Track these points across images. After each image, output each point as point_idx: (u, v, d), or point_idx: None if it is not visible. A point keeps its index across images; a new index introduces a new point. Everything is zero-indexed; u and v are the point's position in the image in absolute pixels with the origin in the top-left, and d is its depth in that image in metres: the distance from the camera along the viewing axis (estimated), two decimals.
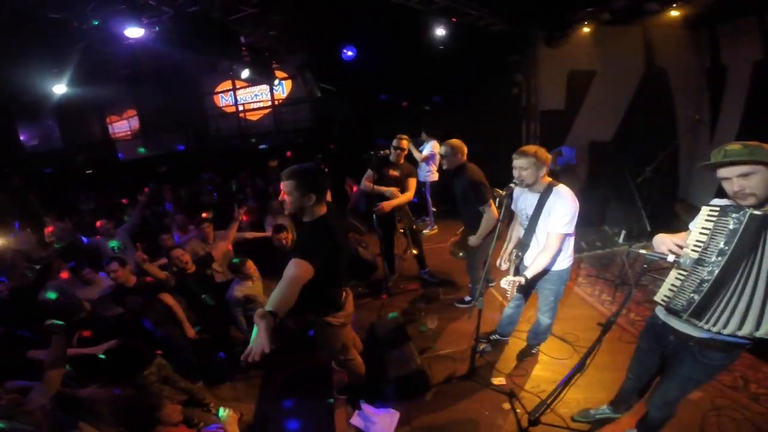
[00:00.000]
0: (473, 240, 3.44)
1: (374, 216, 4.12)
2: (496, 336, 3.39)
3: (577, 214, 2.45)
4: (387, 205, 3.98)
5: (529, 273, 2.45)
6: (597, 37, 5.50)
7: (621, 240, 5.05)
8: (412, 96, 6.64)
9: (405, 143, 4.17)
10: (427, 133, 5.85)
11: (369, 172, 4.19)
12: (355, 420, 2.84)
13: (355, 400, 2.94)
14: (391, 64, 6.62)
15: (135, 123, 11.38)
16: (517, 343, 3.37)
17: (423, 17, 5.22)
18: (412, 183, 4.16)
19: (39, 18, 4.13)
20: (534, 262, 2.50)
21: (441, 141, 6.01)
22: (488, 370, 3.15)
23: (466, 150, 3.46)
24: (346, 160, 7.24)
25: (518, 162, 2.49)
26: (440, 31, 5.34)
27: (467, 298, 4.13)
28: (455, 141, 3.45)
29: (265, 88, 9.96)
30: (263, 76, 6.60)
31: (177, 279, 3.68)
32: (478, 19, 5.21)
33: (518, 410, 2.73)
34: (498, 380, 3.05)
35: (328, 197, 2.55)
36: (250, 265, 3.70)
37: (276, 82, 8.00)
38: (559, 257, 2.59)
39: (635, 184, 4.72)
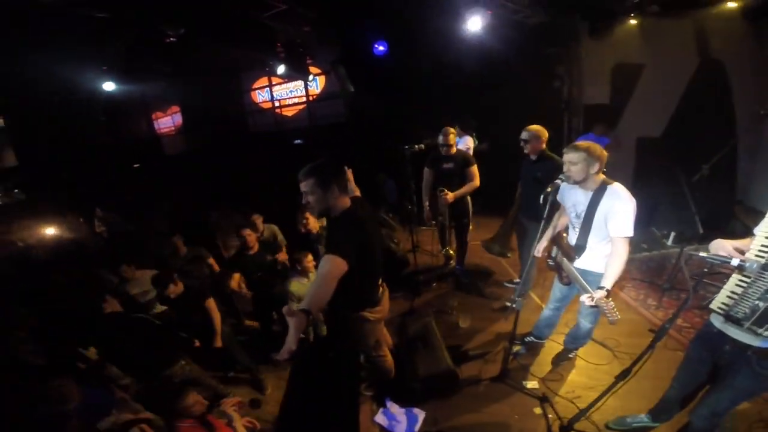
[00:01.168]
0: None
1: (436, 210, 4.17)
2: (532, 338, 3.29)
3: (635, 213, 2.28)
4: (451, 195, 3.97)
5: (608, 283, 2.28)
6: (645, 30, 5.23)
7: (670, 242, 4.74)
8: (446, 89, 6.50)
9: (452, 138, 4.08)
10: (461, 128, 5.74)
11: (426, 174, 4.23)
12: (380, 418, 2.84)
13: (381, 398, 2.93)
14: (424, 59, 6.54)
15: (178, 119, 11.91)
16: (553, 347, 3.26)
17: (457, 10, 5.10)
18: (474, 170, 4.09)
19: (86, 17, 4.35)
20: (608, 271, 2.32)
21: (475, 135, 5.95)
22: (521, 373, 3.07)
23: (547, 136, 3.36)
24: (378, 155, 7.26)
25: (568, 156, 2.36)
26: (475, 24, 5.19)
27: (517, 280, 4.10)
28: (537, 126, 3.35)
29: (300, 84, 10.10)
30: (298, 71, 6.68)
31: (237, 256, 3.88)
32: (516, 12, 5.04)
33: (550, 416, 2.64)
34: (531, 384, 2.96)
35: (357, 191, 2.53)
36: (310, 260, 3.64)
37: (310, 77, 8.09)
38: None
39: (687, 184, 4.41)
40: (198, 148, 11.08)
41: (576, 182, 2.39)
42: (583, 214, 2.46)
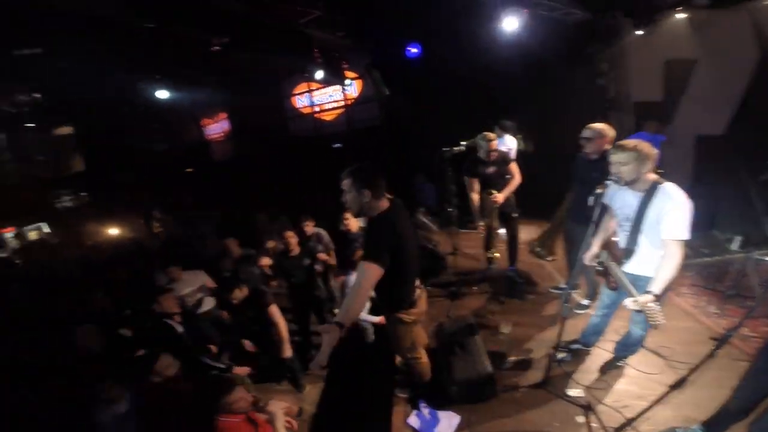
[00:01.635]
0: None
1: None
2: (578, 345, 3.14)
3: (690, 215, 2.14)
4: (501, 196, 3.99)
5: (656, 288, 2.16)
6: (696, 23, 4.94)
7: (735, 247, 4.37)
8: (482, 90, 6.37)
9: (494, 144, 4.04)
10: (501, 129, 5.61)
11: (471, 182, 4.20)
12: (413, 420, 2.81)
13: (416, 400, 2.90)
14: (459, 59, 6.43)
15: (226, 125, 12.52)
16: (601, 355, 3.09)
17: (491, 10, 5.03)
18: (514, 166, 4.10)
19: (140, 28, 4.70)
20: (659, 275, 2.19)
21: (521, 137, 5.79)
22: (564, 381, 2.93)
23: (612, 136, 3.20)
24: (413, 157, 7.24)
25: (617, 157, 2.25)
26: (511, 24, 5.07)
27: (562, 285, 4.00)
28: (602, 124, 3.21)
29: (338, 88, 10.31)
30: (335, 76, 6.85)
31: (278, 258, 4.03)
32: (553, 9, 4.91)
33: (594, 424, 2.50)
34: (574, 391, 2.81)
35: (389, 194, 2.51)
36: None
37: (347, 82, 8.23)
38: None
39: (753, 184, 4.04)
40: (243, 153, 11.59)
41: (627, 183, 2.27)
42: (633, 216, 2.33)
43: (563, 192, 3.98)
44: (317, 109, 10.94)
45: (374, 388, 3.18)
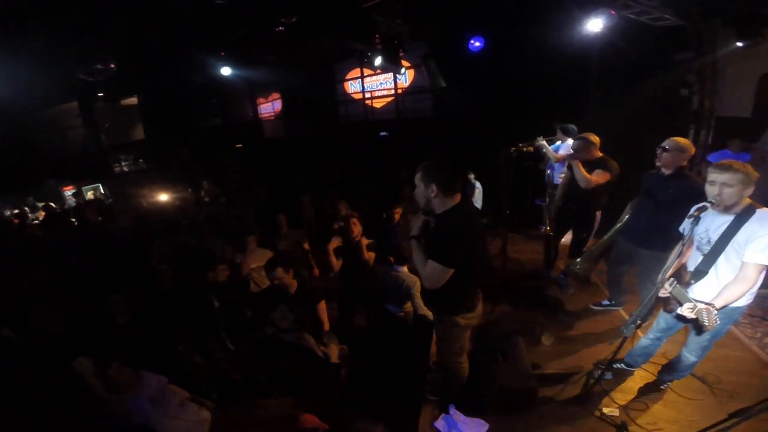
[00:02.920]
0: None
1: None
2: (622, 365, 3.07)
3: None
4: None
5: (719, 302, 2.11)
6: None
7: None
8: (547, 92, 6.15)
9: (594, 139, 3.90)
10: (563, 132, 5.43)
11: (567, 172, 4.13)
12: (440, 424, 2.78)
13: (446, 404, 2.89)
14: (526, 57, 6.26)
15: (278, 105, 12.90)
16: (642, 375, 3.02)
17: (572, 8, 4.81)
18: (597, 173, 3.80)
19: (208, 4, 4.83)
20: (724, 291, 2.13)
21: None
22: (601, 398, 2.87)
23: (692, 153, 3.06)
24: (465, 154, 7.15)
25: (721, 177, 2.12)
26: (596, 25, 4.82)
27: (605, 302, 3.93)
28: (683, 139, 3.08)
29: (389, 76, 10.33)
30: (393, 63, 6.85)
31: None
32: (641, 14, 4.62)
33: None
34: (609, 410, 2.76)
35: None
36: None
37: (401, 70, 8.21)
38: None
39: None
40: (294, 133, 11.91)
41: (727, 207, 2.16)
42: (716, 239, 2.21)
43: (623, 207, 3.78)
44: (368, 95, 11.03)
45: (405, 387, 3.16)
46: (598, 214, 4.14)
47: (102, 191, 10.37)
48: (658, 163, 3.10)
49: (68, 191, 10.03)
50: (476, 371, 2.85)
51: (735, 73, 5.16)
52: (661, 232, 2.97)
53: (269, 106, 13.23)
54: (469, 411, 2.84)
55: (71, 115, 10.41)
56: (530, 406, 2.85)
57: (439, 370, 2.99)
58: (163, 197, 8.06)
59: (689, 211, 2.52)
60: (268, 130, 13.03)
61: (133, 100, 11.62)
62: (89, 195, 9.92)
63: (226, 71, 7.54)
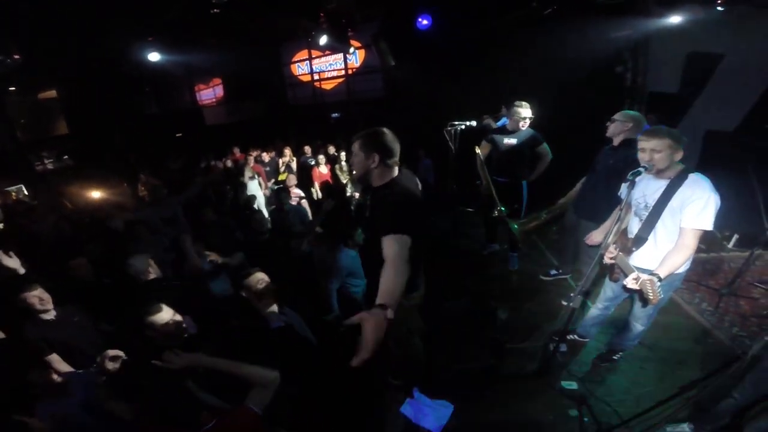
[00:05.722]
0: (595, 235, 2.89)
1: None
2: (575, 336, 3.22)
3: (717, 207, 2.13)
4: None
5: (662, 272, 2.19)
6: (730, 17, 4.75)
7: (731, 245, 4.48)
8: (492, 68, 6.24)
9: (524, 112, 4.02)
10: (507, 108, 5.55)
11: (483, 142, 4.20)
12: (406, 409, 2.80)
13: (410, 388, 2.89)
14: (471, 35, 6.29)
15: (219, 91, 12.23)
16: (595, 346, 3.18)
17: None
18: (545, 148, 4.11)
19: None
20: (666, 260, 2.21)
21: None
22: (559, 372, 3.01)
23: (640, 126, 3.13)
24: (416, 132, 7.16)
25: (649, 143, 2.22)
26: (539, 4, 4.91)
27: (553, 271, 4.08)
28: (632, 112, 3.21)
29: (339, 57, 10.11)
30: (340, 43, 6.65)
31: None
32: None
33: (586, 419, 2.59)
34: (568, 383, 2.91)
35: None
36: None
37: (351, 50, 8.03)
38: None
39: (759, 184, 4.08)
40: (238, 119, 11.38)
41: (659, 171, 2.25)
42: (653, 204, 2.30)
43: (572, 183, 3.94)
44: (317, 77, 10.71)
45: (367, 375, 3.08)
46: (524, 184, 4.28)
47: (25, 192, 9.40)
48: (607, 133, 3.21)
49: None
50: (437, 350, 2.89)
51: (665, 49, 5.44)
52: (602, 204, 3.07)
53: (210, 92, 12.54)
54: (431, 393, 2.86)
55: None
56: (493, 383, 2.94)
57: (399, 353, 2.94)
58: (96, 194, 7.43)
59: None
60: (209, 116, 12.35)
61: (52, 93, 10.55)
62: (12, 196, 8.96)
63: (155, 57, 6.95)
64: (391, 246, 1.77)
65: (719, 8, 4.51)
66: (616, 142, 3.17)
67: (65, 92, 10.32)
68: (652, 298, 2.17)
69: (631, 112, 3.18)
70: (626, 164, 2.89)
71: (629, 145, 3.08)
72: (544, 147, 4.08)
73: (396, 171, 2.14)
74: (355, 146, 2.12)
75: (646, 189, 2.37)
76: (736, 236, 4.48)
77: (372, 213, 2.18)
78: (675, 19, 4.95)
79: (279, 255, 3.89)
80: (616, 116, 3.15)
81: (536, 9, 5.43)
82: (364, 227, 2.22)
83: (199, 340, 2.54)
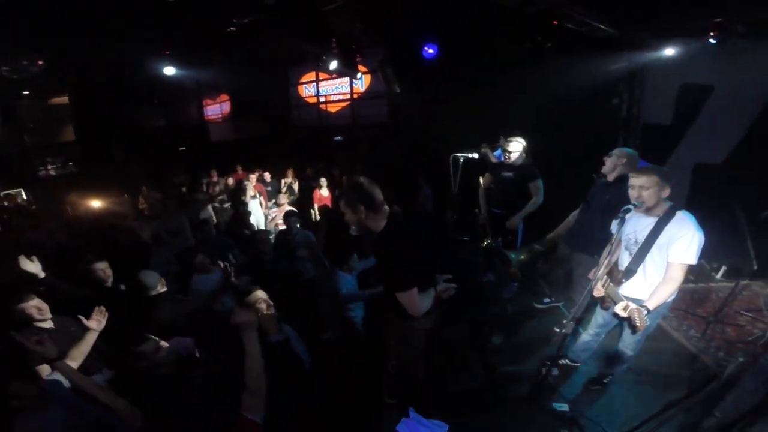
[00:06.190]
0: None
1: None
2: (566, 361, 3.32)
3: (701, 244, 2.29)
4: (510, 222, 4.17)
5: (651, 304, 2.35)
6: (722, 50, 4.85)
7: (719, 276, 4.64)
8: (496, 99, 6.50)
9: (512, 146, 4.13)
10: (506, 139, 5.75)
11: (486, 174, 4.32)
12: (401, 428, 2.84)
13: (405, 407, 2.94)
14: (477, 66, 6.56)
15: (226, 107, 12.52)
16: (587, 371, 3.28)
17: (517, 18, 5.02)
18: (536, 186, 4.11)
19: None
20: (656, 293, 2.37)
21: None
22: (551, 394, 3.11)
23: (634, 162, 3.29)
24: (418, 159, 7.35)
25: (638, 181, 2.37)
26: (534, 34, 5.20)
27: (546, 300, 4.19)
28: (628, 149, 3.37)
29: (345, 81, 10.41)
30: (349, 68, 6.91)
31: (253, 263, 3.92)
32: (582, 24, 4.95)
33: None
34: (560, 405, 3.00)
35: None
36: None
37: (358, 75, 8.31)
38: None
39: (746, 217, 4.26)
40: (243, 136, 11.62)
41: (648, 208, 2.40)
42: (642, 240, 2.46)
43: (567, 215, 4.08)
44: (323, 99, 11.03)
45: (363, 393, 3.19)
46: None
47: (24, 197, 9.49)
48: (602, 170, 3.35)
49: None
50: (433, 373, 2.97)
51: (659, 81, 5.63)
52: (595, 237, 3.21)
53: (217, 108, 12.82)
54: (426, 413, 2.91)
55: None
56: (487, 405, 3.02)
57: (397, 373, 3.01)
58: (96, 203, 7.50)
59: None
60: (214, 132, 12.61)
61: (63, 99, 10.78)
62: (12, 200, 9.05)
63: (169, 71, 7.20)
64: (403, 301, 2.16)
65: (711, 41, 4.65)
66: (610, 178, 3.31)
67: (76, 99, 10.53)
68: (639, 325, 2.32)
69: (626, 149, 3.34)
70: (621, 200, 3.03)
71: (623, 181, 3.22)
72: (537, 183, 4.10)
73: (387, 211, 2.22)
74: (342, 205, 2.23)
75: (636, 225, 2.52)
76: (724, 267, 4.63)
77: (379, 263, 2.35)
78: (669, 52, 5.14)
79: (281, 276, 3.93)
80: (614, 151, 3.31)
81: (538, 42, 5.70)
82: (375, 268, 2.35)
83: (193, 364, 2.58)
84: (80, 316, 2.61)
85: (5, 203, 8.63)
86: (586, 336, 3.11)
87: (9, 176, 9.39)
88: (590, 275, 3.01)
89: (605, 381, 3.13)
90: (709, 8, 4.40)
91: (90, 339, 2.58)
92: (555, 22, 4.89)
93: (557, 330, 3.84)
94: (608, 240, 2.85)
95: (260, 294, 2.70)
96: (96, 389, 2.03)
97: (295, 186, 8.12)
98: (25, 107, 10.03)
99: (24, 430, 2.05)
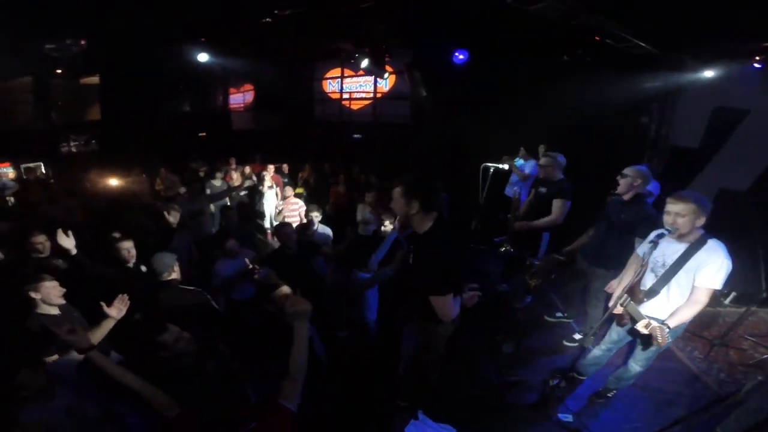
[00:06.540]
0: (614, 283, 3.17)
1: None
2: (574, 374, 3.39)
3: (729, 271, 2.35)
4: (519, 224, 4.10)
5: (672, 322, 2.42)
6: (763, 74, 4.85)
7: (728, 302, 4.65)
8: (526, 109, 6.52)
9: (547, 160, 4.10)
10: (527, 151, 5.78)
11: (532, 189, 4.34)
12: (410, 429, 2.88)
13: (414, 409, 2.98)
14: (509, 75, 6.60)
15: (249, 97, 12.74)
16: (592, 384, 3.35)
17: (557, 30, 4.99)
18: (556, 204, 4.00)
19: None
20: (678, 313, 2.44)
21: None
22: (557, 405, 3.19)
23: (648, 180, 3.37)
24: (438, 163, 7.42)
25: (675, 207, 2.41)
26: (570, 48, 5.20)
27: (558, 314, 4.25)
28: (642, 167, 3.39)
29: (369, 79, 10.55)
30: (378, 67, 7.01)
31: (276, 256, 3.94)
32: (622, 41, 4.94)
33: None
34: (565, 416, 3.09)
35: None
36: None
37: (384, 75, 8.43)
38: None
39: (763, 250, 4.28)
40: (263, 127, 11.80)
41: (681, 235, 2.44)
42: (670, 264, 2.51)
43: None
44: (346, 96, 11.17)
45: (374, 394, 3.28)
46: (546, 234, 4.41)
47: (43, 171, 9.79)
48: (618, 190, 3.41)
49: (3, 168, 9.38)
50: (444, 378, 3.03)
51: (692, 102, 5.61)
52: (613, 253, 3.33)
53: (239, 97, 13.05)
54: (435, 417, 2.96)
55: (24, 90, 9.82)
56: (494, 411, 3.12)
57: (410, 376, 3.09)
58: (114, 182, 7.68)
59: (640, 234, 2.96)
60: (236, 121, 12.84)
61: (94, 79, 11.09)
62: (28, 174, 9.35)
63: (203, 57, 7.37)
64: (437, 305, 2.22)
65: (756, 65, 4.62)
66: (626, 197, 3.37)
67: (106, 79, 10.80)
68: (660, 341, 2.41)
69: (640, 168, 3.38)
70: (639, 220, 3.18)
71: (640, 200, 3.35)
72: (559, 202, 4.00)
73: (434, 217, 2.26)
74: (397, 191, 2.24)
75: (666, 249, 2.56)
76: (734, 293, 4.63)
77: (415, 260, 2.36)
78: (708, 73, 5.10)
79: (301, 270, 3.93)
80: (626, 171, 3.36)
81: (578, 56, 5.70)
82: (403, 267, 2.44)
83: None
84: (102, 303, 2.55)
85: (25, 176, 8.94)
86: (597, 351, 3.18)
87: (32, 151, 9.70)
88: (607, 288, 3.17)
89: (609, 395, 3.21)
90: (758, 32, 4.35)
91: (106, 326, 2.55)
92: (597, 38, 4.87)
93: (567, 343, 3.94)
94: (626, 256, 2.98)
95: (285, 289, 2.75)
96: (129, 378, 1.98)
97: (311, 180, 8.24)
98: (56, 85, 10.29)
99: (29, 420, 2.07)
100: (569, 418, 3.06)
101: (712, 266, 2.34)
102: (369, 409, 3.17)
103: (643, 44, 4.96)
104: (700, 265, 2.38)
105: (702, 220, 2.40)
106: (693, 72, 5.28)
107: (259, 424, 1.75)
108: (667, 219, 2.46)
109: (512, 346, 3.91)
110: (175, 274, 3.21)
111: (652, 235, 2.46)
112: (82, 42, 5.15)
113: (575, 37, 5.09)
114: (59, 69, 9.48)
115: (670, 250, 2.54)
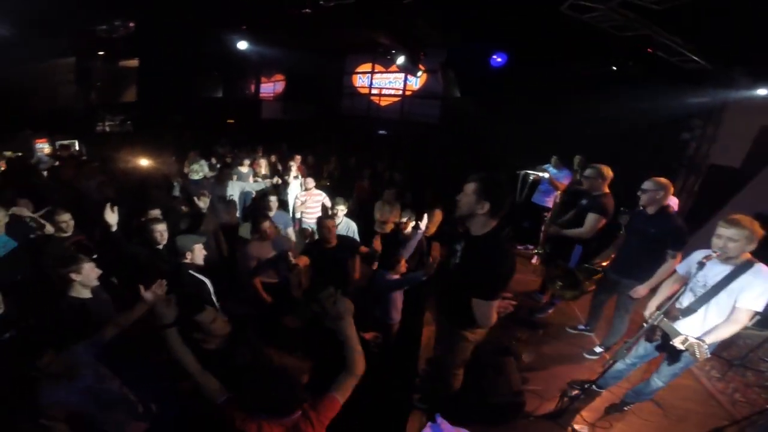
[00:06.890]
0: (641, 289, 3.36)
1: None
2: (593, 386, 3.38)
3: None
4: (552, 229, 4.12)
5: (709, 338, 2.43)
6: None
7: (751, 324, 4.52)
8: (563, 117, 6.41)
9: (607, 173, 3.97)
10: (560, 160, 5.73)
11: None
12: (427, 431, 2.92)
13: (432, 413, 3.01)
14: (549, 81, 6.50)
15: (279, 87, 12.98)
16: (608, 396, 3.39)
17: (602, 39, 4.93)
18: (589, 219, 3.93)
19: None
20: (717, 330, 2.45)
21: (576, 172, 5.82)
22: (573, 416, 3.22)
23: (670, 193, 3.34)
24: (463, 167, 7.39)
25: (728, 232, 2.38)
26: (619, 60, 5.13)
27: (580, 326, 4.27)
28: (664, 179, 3.36)
29: (400, 76, 10.60)
30: (411, 64, 7.04)
31: (314, 249, 3.91)
32: (675, 54, 4.83)
33: None
34: (580, 427, 3.12)
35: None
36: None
37: (418, 73, 8.46)
38: None
39: None
40: (292, 117, 12.01)
41: (728, 258, 2.43)
42: (711, 284, 2.51)
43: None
44: (375, 91, 11.26)
45: (393, 394, 3.30)
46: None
47: (77, 148, 10.19)
48: (640, 203, 3.42)
49: (40, 144, 9.80)
50: (466, 383, 3.05)
51: (737, 121, 5.45)
52: (643, 265, 3.37)
53: (270, 86, 13.31)
54: (454, 420, 2.99)
55: (66, 70, 10.27)
56: (512, 419, 3.15)
57: (429, 378, 3.14)
58: (144, 162, 7.93)
59: (672, 247, 3.12)
60: (265, 110, 13.09)
61: (133, 62, 11.50)
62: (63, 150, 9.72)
63: (242, 45, 7.52)
64: (480, 310, 2.20)
65: None
66: (650, 210, 3.37)
67: (145, 62, 11.18)
68: (699, 357, 2.42)
69: (661, 181, 3.34)
70: (668, 232, 3.21)
71: (665, 212, 3.34)
72: (591, 217, 3.94)
73: (497, 222, 2.20)
74: (470, 187, 2.15)
75: (710, 270, 2.54)
76: (758, 316, 4.53)
77: (465, 262, 2.29)
78: (762, 92, 4.94)
79: (336, 266, 3.97)
80: (647, 185, 3.34)
81: (628, 67, 5.55)
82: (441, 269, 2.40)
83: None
84: (141, 285, 2.54)
85: (59, 153, 9.32)
86: (621, 365, 3.17)
87: (68, 129, 10.11)
88: (632, 293, 3.29)
89: (625, 409, 3.22)
90: None
91: (139, 310, 2.54)
92: (650, 50, 4.79)
93: (588, 356, 3.95)
94: (657, 268, 3.09)
95: (304, 260, 2.81)
96: (189, 359, 1.99)
97: (336, 173, 8.34)
98: (97, 67, 10.72)
99: (48, 399, 2.07)
100: (585, 430, 3.09)
101: (757, 289, 2.35)
102: (387, 410, 3.22)
103: (696, 59, 4.84)
104: (744, 287, 2.38)
105: (753, 246, 2.39)
106: (743, 89, 5.13)
107: (309, 410, 1.83)
108: (717, 242, 2.43)
109: (531, 355, 3.94)
110: (191, 258, 3.27)
111: (700, 256, 2.47)
112: (131, 24, 5.35)
113: (627, 47, 5.00)
114: (101, 51, 9.84)
115: (713, 271, 2.53)
